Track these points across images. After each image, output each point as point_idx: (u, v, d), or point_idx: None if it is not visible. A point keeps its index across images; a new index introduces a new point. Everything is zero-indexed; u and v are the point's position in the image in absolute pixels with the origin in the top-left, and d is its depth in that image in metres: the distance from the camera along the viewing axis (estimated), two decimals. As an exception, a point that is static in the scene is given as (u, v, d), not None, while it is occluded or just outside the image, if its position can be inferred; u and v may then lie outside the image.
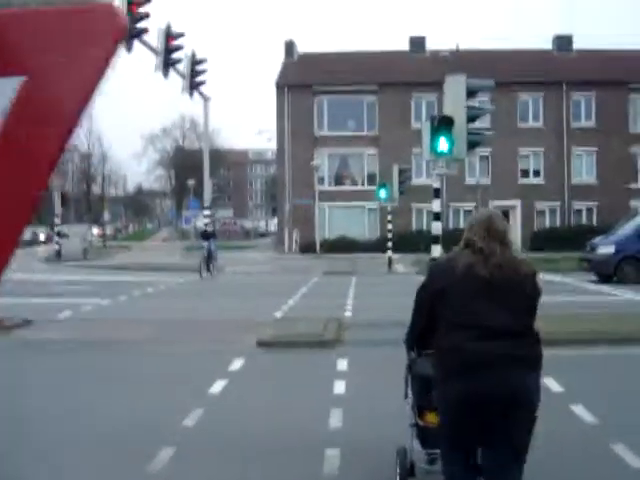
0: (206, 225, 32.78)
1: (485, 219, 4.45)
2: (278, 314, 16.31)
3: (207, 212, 34.86)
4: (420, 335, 4.70)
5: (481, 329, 4.20)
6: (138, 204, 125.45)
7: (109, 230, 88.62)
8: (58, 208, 45.61)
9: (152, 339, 12.75)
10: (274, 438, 6.98)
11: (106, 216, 68.23)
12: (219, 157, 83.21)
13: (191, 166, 67.51)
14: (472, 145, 13.18)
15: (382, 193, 34.34)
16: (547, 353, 10.89)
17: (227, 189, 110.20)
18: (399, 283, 23.20)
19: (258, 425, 7.45)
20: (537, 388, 4.27)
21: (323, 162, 49.92)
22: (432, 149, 12.70)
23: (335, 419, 7.54)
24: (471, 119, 13.13)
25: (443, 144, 12.59)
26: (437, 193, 13.50)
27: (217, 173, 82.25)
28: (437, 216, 13.46)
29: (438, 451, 4.80)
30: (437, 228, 13.58)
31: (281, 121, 51.05)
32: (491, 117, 37.53)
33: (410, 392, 5.35)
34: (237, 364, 10.40)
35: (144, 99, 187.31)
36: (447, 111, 12.89)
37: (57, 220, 45.93)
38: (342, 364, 10.36)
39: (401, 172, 32.57)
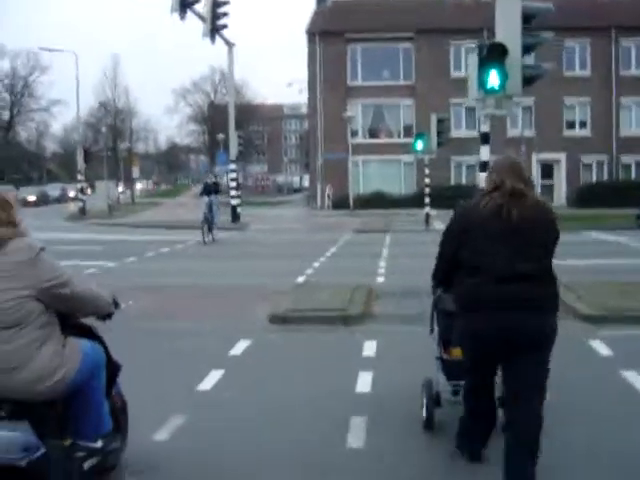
0: (217, 178, 29.52)
1: (510, 162, 4.54)
2: (300, 279, 14.35)
3: (233, 166, 33.01)
4: (445, 275, 4.75)
5: (499, 272, 4.25)
6: (171, 160, 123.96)
7: (141, 186, 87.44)
8: (81, 164, 43.92)
9: (144, 312, 10.71)
10: (270, 466, 5.06)
11: (135, 172, 66.59)
12: (251, 111, 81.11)
13: (223, 121, 65.34)
14: (528, 80, 10.98)
15: (419, 144, 32.02)
16: (614, 334, 8.55)
17: (261, 144, 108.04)
18: (437, 242, 20.97)
19: (248, 446, 5.51)
20: (552, 330, 4.39)
21: (357, 114, 47.45)
22: (480, 85, 10.53)
23: (355, 436, 5.58)
24: (528, 49, 10.93)
25: (494, 78, 10.42)
26: (486, 138, 11.22)
27: (248, 128, 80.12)
28: (484, 166, 11.14)
29: (461, 383, 5.10)
30: (484, 180, 11.30)
31: (312, 71, 48.62)
32: (535, 64, 34.96)
33: (436, 327, 5.59)
34: (240, 347, 8.48)
35: (176, 54, 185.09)
36: (499, 39, 10.66)
37: (80, 176, 44.26)
38: (370, 348, 8.38)
39: (439, 122, 30.28)
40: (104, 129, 74.07)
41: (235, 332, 9.16)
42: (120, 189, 63.16)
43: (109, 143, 70.57)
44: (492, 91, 10.53)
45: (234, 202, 32.95)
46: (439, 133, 30.19)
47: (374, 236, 25.93)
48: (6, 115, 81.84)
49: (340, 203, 44.96)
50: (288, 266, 16.41)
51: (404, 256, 18.46)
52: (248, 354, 8.23)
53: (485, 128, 11.20)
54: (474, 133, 46.64)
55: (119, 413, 4.72)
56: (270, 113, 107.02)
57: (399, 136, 48.43)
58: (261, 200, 63.55)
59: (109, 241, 25.78)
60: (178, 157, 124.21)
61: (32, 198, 64.11)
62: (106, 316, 4.38)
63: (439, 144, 30.68)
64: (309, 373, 7.45)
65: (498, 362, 4.47)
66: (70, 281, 3.94)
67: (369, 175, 47.85)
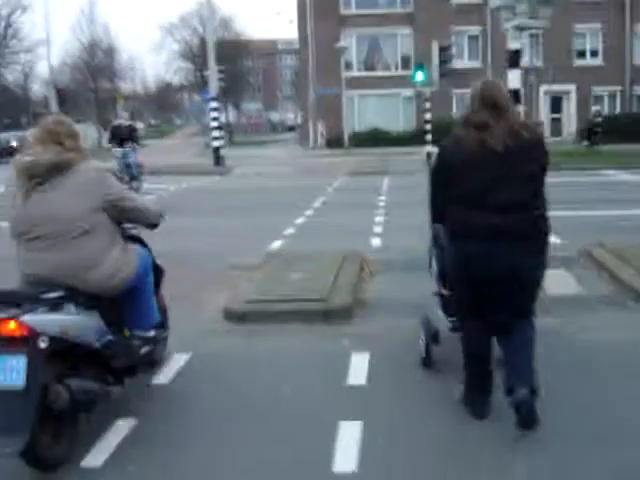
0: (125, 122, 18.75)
1: (478, 89, 4.41)
2: (275, 244, 11.56)
3: (214, 104, 29.93)
4: (439, 211, 4.64)
5: (489, 204, 4.23)
6: (163, 100, 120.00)
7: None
8: (55, 107, 40.79)
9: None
10: None
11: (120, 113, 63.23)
12: (241, 47, 77.32)
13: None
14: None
15: (419, 75, 28.89)
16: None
17: (256, 81, 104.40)
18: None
19: None
20: (543, 260, 4.41)
21: (351, 44, 44.00)
22: (510, -16, 7.66)
23: None
24: None
25: (528, -25, 7.55)
26: (515, 60, 8.27)
27: (241, 64, 76.46)
28: (515, 95, 8.19)
29: None
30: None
31: (303, -1, 45.26)
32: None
33: (435, 262, 5.47)
34: (172, 369, 5.81)
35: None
36: None
37: (54, 119, 41.15)
38: (359, 367, 5.69)
39: (442, 50, 27.22)
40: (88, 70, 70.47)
41: (170, 339, 6.46)
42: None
43: (90, 84, 67.17)
44: (526, -8, 7.65)
45: (216, 144, 30.01)
46: (441, 63, 27.15)
47: (370, 180, 23.13)
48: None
49: (334, 141, 42.03)
50: (264, 224, 13.63)
51: (405, 205, 15.68)
52: (179, 384, 5.53)
53: (515, 45, 8.21)
54: (477, 64, 43.61)
55: (163, 311, 5.56)
56: (264, 49, 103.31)
57: (397, 68, 45.11)
58: (252, 140, 60.43)
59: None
60: (169, 97, 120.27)
61: (14, 144, 60.97)
62: (154, 225, 5.07)
63: (442, 75, 27.62)
64: (260, 431, 4.73)
65: (488, 293, 4.40)
66: (129, 196, 4.80)
67: (365, 111, 44.60)
